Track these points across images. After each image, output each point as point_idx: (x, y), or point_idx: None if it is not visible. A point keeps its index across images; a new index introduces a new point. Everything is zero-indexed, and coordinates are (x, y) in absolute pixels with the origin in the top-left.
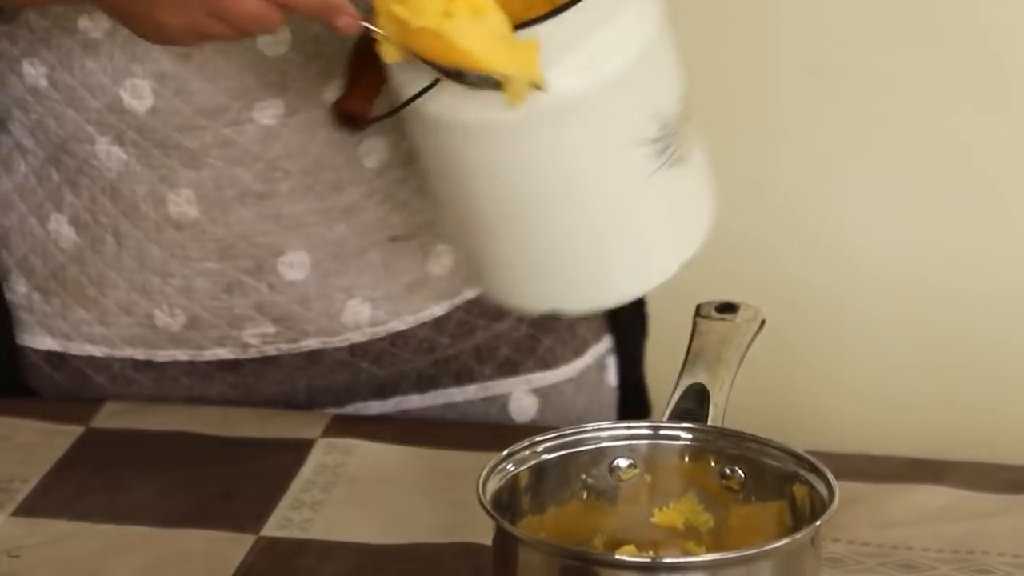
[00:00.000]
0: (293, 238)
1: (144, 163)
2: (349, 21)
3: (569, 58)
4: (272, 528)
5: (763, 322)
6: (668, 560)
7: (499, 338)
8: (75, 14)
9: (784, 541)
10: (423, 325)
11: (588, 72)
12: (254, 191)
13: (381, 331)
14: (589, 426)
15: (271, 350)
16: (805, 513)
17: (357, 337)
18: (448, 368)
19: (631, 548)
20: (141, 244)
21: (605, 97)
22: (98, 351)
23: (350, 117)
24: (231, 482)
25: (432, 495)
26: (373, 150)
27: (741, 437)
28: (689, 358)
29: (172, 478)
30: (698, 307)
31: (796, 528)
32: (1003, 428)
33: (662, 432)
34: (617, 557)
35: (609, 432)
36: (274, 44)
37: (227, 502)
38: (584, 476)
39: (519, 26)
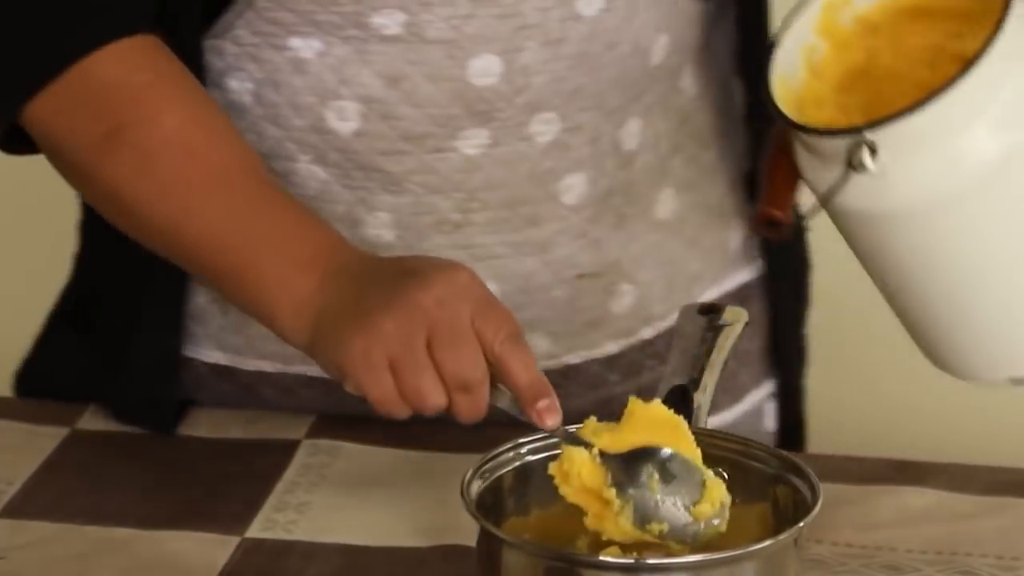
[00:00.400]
0: (482, 268)
1: (344, 184)
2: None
3: (981, 119)
4: (257, 529)
5: (746, 324)
6: (651, 561)
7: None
8: (286, 33)
9: (767, 542)
10: (595, 361)
11: (1003, 131)
12: (451, 220)
13: (554, 364)
14: (572, 428)
15: None
16: (788, 514)
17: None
18: (609, 405)
19: (615, 549)
20: None
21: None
22: (270, 366)
23: (774, 223)
24: (216, 483)
25: (417, 497)
26: (572, 187)
27: (724, 438)
28: (672, 360)
29: (157, 480)
30: (681, 309)
31: (779, 529)
32: (986, 430)
33: None
34: (601, 559)
35: None
36: (484, 75)
37: (212, 503)
38: None
39: (931, 95)
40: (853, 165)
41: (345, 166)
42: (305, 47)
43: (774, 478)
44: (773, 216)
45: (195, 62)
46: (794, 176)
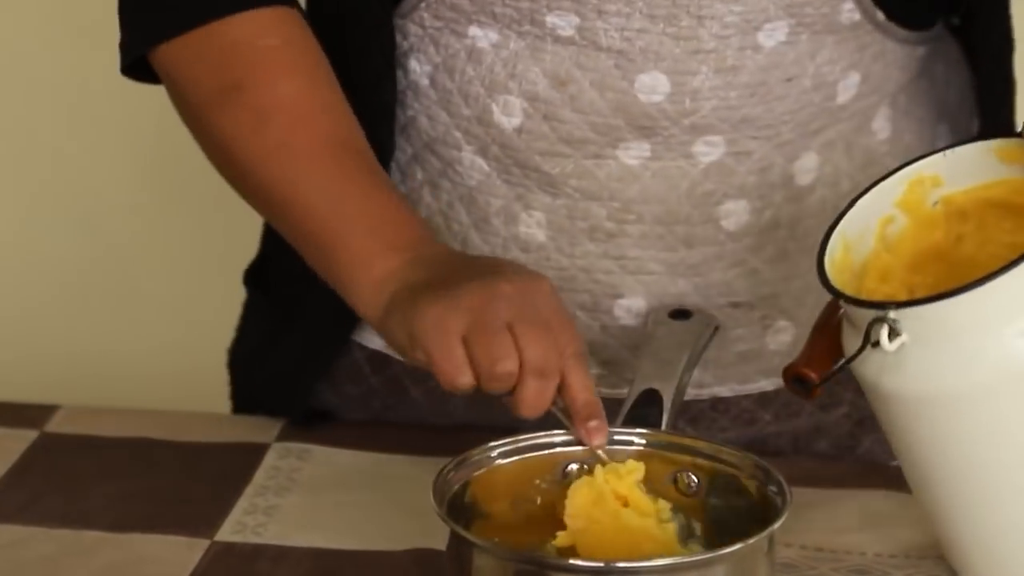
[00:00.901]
0: (633, 283)
1: (504, 178)
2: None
3: (1011, 323)
4: (227, 533)
5: (716, 328)
6: (621, 565)
7: (820, 430)
8: (466, 20)
9: (738, 546)
10: (748, 397)
11: None
12: (604, 228)
13: (704, 393)
14: (542, 433)
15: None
16: (759, 517)
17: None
18: (764, 446)
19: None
20: None
21: None
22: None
23: (801, 381)
24: (185, 487)
25: (388, 500)
26: (733, 213)
27: (694, 442)
28: (643, 364)
29: (127, 483)
30: (652, 314)
31: (751, 532)
32: None
33: (616, 437)
34: (570, 562)
35: (563, 438)
36: (650, 91)
37: (182, 507)
38: (538, 482)
39: (962, 287)
40: (871, 339)
41: (505, 161)
42: (483, 37)
43: (745, 482)
44: (802, 374)
45: (383, 39)
46: (837, 342)
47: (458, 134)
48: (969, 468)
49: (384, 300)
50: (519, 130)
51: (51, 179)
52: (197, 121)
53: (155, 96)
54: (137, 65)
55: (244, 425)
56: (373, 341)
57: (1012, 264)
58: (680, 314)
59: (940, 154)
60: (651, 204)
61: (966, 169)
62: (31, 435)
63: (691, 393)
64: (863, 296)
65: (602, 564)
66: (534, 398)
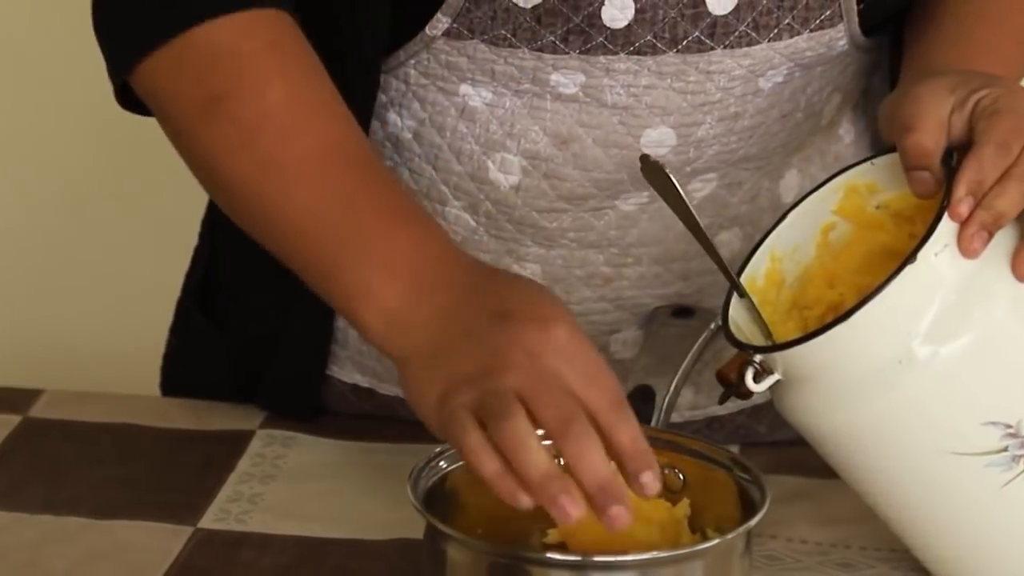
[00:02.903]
0: (628, 317)
1: (494, 235)
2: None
3: (855, 367)
4: (210, 520)
5: (718, 327)
6: (598, 559)
7: None
8: (458, 79)
9: (714, 542)
10: (742, 412)
11: (882, 390)
12: (601, 274)
13: (699, 414)
14: None
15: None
16: (739, 515)
17: (674, 418)
18: (760, 455)
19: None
20: None
21: (912, 406)
22: None
23: (727, 384)
24: (169, 474)
25: (373, 489)
26: (726, 243)
27: (674, 438)
28: (640, 359)
29: (110, 469)
30: (654, 310)
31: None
32: None
33: None
34: (547, 556)
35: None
36: (657, 146)
37: (165, 494)
38: None
39: (805, 336)
40: (743, 379)
41: (498, 218)
42: (474, 95)
43: (729, 478)
44: (726, 378)
45: (367, 88)
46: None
47: (445, 189)
48: (876, 490)
49: (395, 347)
50: (517, 188)
51: (32, 165)
52: (181, 138)
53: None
54: (132, 97)
55: (229, 412)
56: (351, 376)
57: (865, 300)
58: (683, 312)
59: (868, 163)
60: (649, 247)
61: (896, 175)
62: (14, 420)
63: (687, 415)
64: (808, 302)
65: (578, 558)
66: (588, 469)
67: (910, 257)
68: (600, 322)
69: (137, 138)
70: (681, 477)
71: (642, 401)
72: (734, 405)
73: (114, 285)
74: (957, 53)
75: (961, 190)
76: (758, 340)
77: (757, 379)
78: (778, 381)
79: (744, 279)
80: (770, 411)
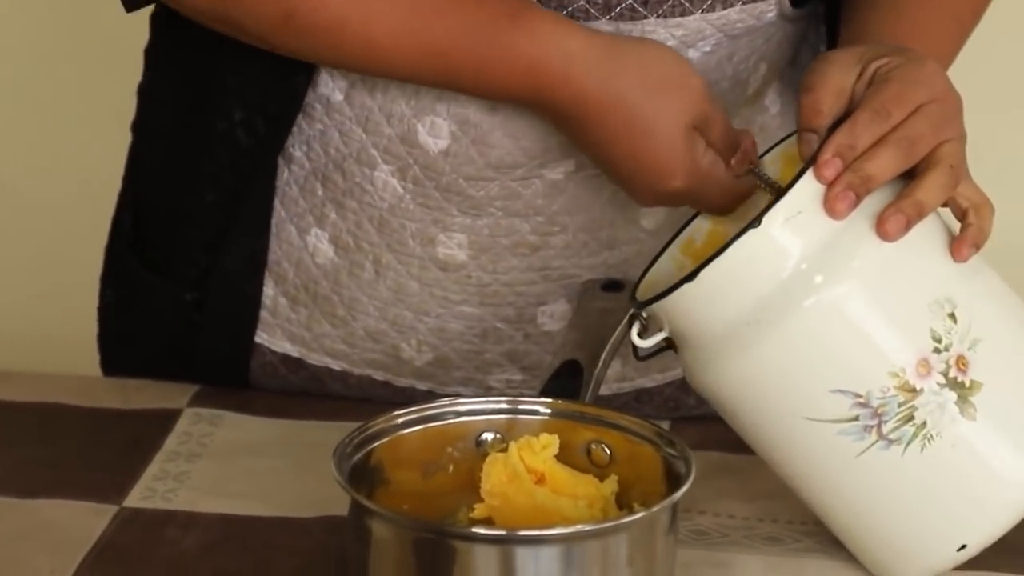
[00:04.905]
0: (556, 288)
1: (420, 202)
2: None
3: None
4: (135, 499)
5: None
6: (523, 533)
7: None
8: None
9: (638, 515)
10: (671, 384)
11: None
12: (528, 243)
13: (627, 387)
14: (447, 401)
15: (513, 394)
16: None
17: (603, 391)
18: (690, 427)
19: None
20: (401, 278)
21: (766, 369)
22: (336, 365)
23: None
24: (96, 453)
25: (300, 467)
26: (652, 211)
27: (601, 413)
28: (568, 334)
29: (34, 449)
30: (583, 284)
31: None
32: None
33: (521, 407)
34: (472, 531)
35: (468, 407)
36: None
37: (91, 473)
38: (450, 450)
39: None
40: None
41: (425, 185)
42: None
43: (656, 453)
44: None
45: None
46: None
47: (375, 152)
48: (758, 451)
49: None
50: (445, 153)
51: None
52: (267, 44)
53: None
54: None
55: (156, 391)
56: (280, 346)
57: (710, 259)
58: (612, 286)
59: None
60: (575, 215)
61: None
62: None
63: (615, 387)
64: None
65: (503, 533)
66: None
67: (755, 221)
68: (528, 293)
69: (56, 115)
70: (608, 452)
71: (570, 376)
72: (662, 377)
73: (42, 264)
74: (890, 30)
75: (828, 152)
76: None
77: (642, 335)
78: (670, 340)
79: (683, 240)
80: None
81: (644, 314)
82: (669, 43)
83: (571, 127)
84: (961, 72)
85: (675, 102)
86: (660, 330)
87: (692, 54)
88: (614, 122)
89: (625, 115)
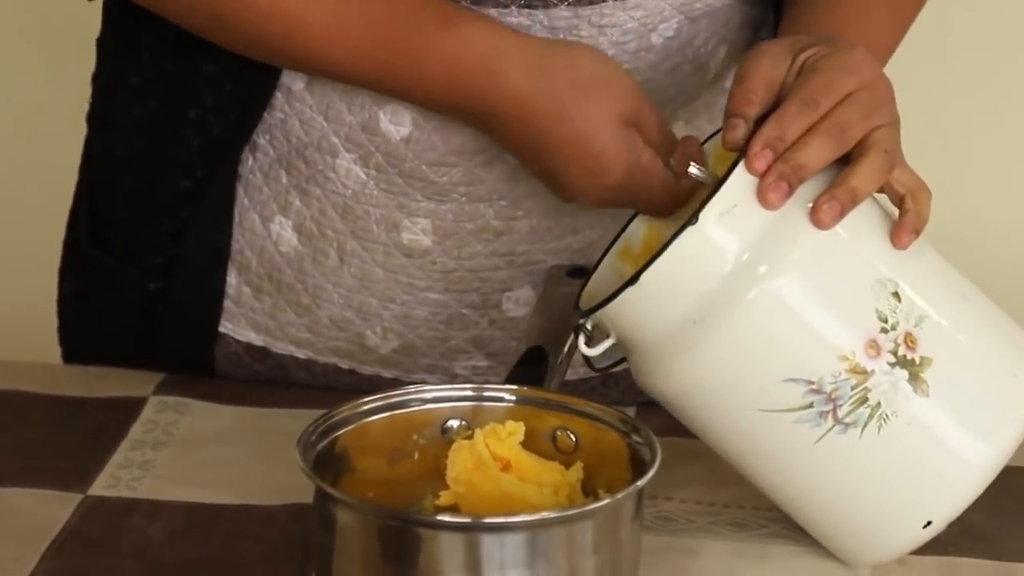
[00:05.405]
0: (521, 274)
1: (383, 188)
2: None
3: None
4: (100, 487)
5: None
6: (488, 520)
7: None
8: None
9: (603, 502)
10: None
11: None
12: (492, 228)
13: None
14: (412, 388)
15: (479, 381)
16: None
17: (569, 375)
18: (657, 410)
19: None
20: (365, 265)
21: (714, 366)
22: (301, 354)
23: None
24: (60, 441)
25: (265, 455)
26: None
27: (566, 400)
28: (533, 320)
29: None
30: (549, 269)
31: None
32: None
33: (486, 394)
34: (437, 518)
35: (433, 394)
36: None
37: (55, 461)
38: (416, 437)
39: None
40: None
41: (388, 171)
42: None
43: (621, 440)
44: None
45: None
46: None
47: (336, 140)
48: (716, 449)
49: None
50: (407, 140)
51: None
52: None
53: None
54: None
55: (120, 379)
56: (245, 335)
57: (649, 262)
58: (578, 272)
59: None
60: (539, 199)
61: None
62: None
63: (581, 372)
64: None
65: (468, 520)
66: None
67: (691, 219)
68: (492, 279)
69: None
70: (573, 439)
71: (535, 363)
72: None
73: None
74: (829, 16)
75: (758, 144)
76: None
77: (590, 343)
78: (615, 345)
79: (619, 247)
80: None
81: (588, 324)
82: (629, 25)
83: (503, 128)
84: (960, 71)
85: (606, 98)
86: (607, 337)
87: (655, 39)
88: (545, 118)
89: (556, 111)
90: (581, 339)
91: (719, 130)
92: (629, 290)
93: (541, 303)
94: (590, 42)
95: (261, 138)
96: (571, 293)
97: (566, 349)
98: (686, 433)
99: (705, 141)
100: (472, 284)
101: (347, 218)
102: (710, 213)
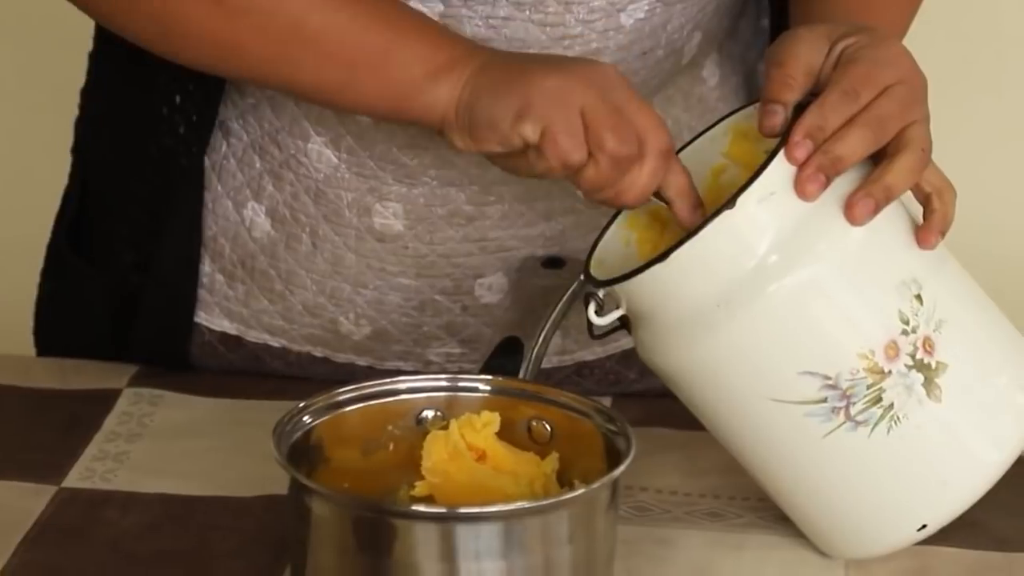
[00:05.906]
0: (493, 260)
1: (355, 172)
2: None
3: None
4: (74, 479)
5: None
6: (463, 511)
7: None
8: None
9: (578, 492)
10: (611, 357)
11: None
12: (464, 212)
13: (568, 360)
14: (387, 379)
15: (453, 368)
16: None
17: (544, 364)
18: (630, 402)
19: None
20: (338, 250)
21: (734, 351)
22: (275, 342)
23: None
24: (34, 433)
25: (240, 446)
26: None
27: (542, 390)
28: (509, 311)
29: None
30: (523, 260)
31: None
32: None
33: (461, 384)
34: (412, 508)
35: (408, 385)
36: None
37: (29, 453)
38: (391, 427)
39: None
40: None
41: (360, 154)
42: None
43: (596, 430)
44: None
45: None
46: None
47: (307, 124)
48: (718, 432)
49: (463, 84)
50: (377, 122)
51: None
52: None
53: None
54: None
55: (96, 370)
56: (219, 324)
57: (682, 241)
58: (553, 262)
59: (752, 107)
60: (511, 184)
61: None
62: None
63: (555, 360)
64: None
65: (444, 510)
66: (650, 179)
67: (728, 202)
68: (465, 265)
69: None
70: (549, 429)
71: (510, 353)
72: (603, 350)
73: None
74: (837, 3)
75: (799, 133)
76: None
77: (599, 312)
78: (625, 318)
79: (627, 214)
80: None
81: (601, 293)
82: (596, 3)
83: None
84: (961, 71)
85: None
86: (617, 307)
87: (624, 19)
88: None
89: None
90: (591, 307)
91: (736, 110)
92: (656, 267)
93: (516, 293)
94: (555, 19)
95: (235, 123)
96: (546, 284)
97: (542, 336)
98: (661, 423)
99: (718, 122)
100: (444, 270)
101: (319, 202)
102: (749, 198)
